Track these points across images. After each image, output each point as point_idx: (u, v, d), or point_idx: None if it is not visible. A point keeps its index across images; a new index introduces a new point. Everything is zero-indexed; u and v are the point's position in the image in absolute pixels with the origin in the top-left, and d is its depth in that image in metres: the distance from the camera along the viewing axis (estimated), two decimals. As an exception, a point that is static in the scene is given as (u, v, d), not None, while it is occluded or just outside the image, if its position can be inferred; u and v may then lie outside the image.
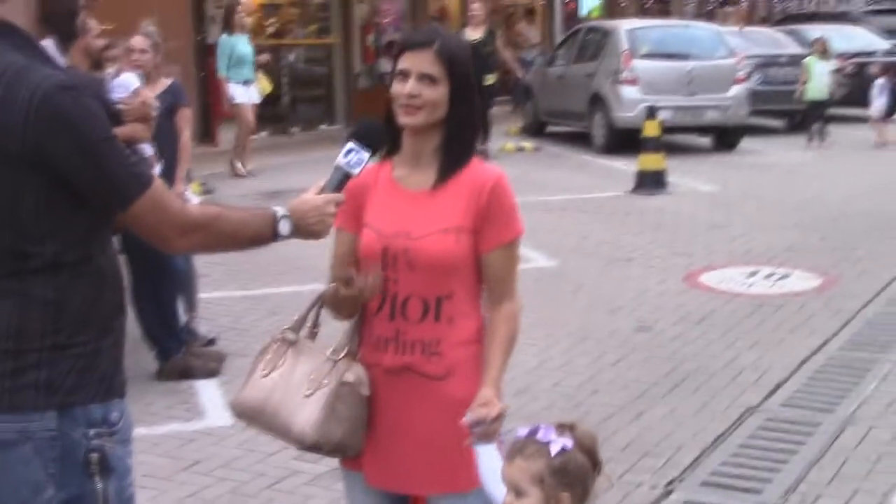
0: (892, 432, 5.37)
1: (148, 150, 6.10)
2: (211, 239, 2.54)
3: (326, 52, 20.42)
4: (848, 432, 5.40)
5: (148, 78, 6.79)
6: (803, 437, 5.33)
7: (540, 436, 2.48)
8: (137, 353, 6.18)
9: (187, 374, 6.32)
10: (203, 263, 7.22)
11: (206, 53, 16.62)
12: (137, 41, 6.87)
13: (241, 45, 14.10)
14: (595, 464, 2.50)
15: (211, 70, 16.39)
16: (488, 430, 2.68)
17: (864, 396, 5.88)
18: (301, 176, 13.85)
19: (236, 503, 4.74)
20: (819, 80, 16.66)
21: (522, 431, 2.51)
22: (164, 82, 6.94)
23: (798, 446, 5.23)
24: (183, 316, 6.68)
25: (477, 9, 15.33)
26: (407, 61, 2.78)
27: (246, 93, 14.10)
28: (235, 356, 6.55)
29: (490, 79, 14.74)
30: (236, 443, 5.31)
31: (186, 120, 7.00)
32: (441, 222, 2.78)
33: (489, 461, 2.68)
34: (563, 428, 2.50)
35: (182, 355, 6.36)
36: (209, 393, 6.10)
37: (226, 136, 16.66)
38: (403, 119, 2.79)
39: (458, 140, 2.82)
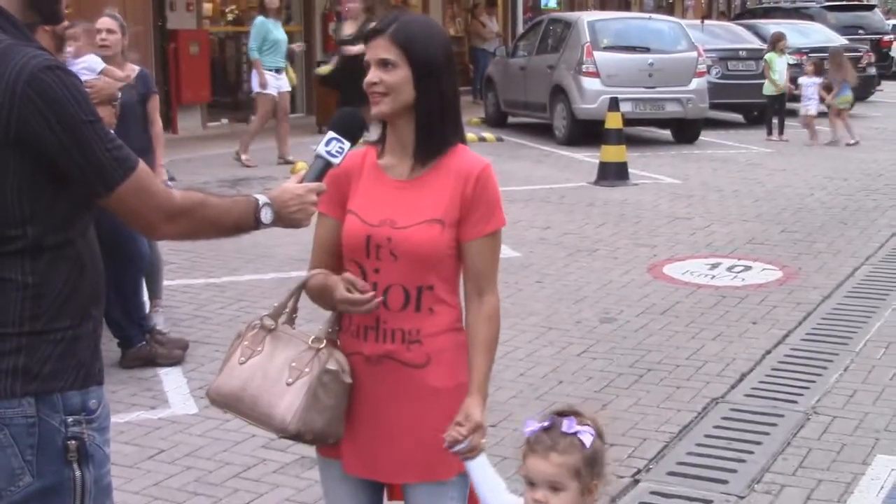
0: (854, 423, 5.42)
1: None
2: (195, 225, 2.51)
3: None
4: (811, 423, 5.45)
5: (113, 61, 6.69)
6: (768, 428, 5.37)
7: (566, 428, 2.49)
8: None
9: (151, 361, 6.26)
10: (167, 251, 7.17)
11: (166, 39, 16.47)
12: (105, 21, 6.77)
13: (277, 30, 13.78)
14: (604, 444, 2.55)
15: (169, 56, 16.29)
16: (471, 446, 2.69)
17: (827, 387, 5.94)
18: (262, 164, 13.79)
19: (201, 492, 4.70)
20: (779, 75, 16.72)
21: (537, 425, 2.51)
22: (132, 68, 6.84)
23: (762, 437, 5.27)
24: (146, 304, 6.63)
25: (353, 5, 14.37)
26: (368, 51, 2.78)
27: (276, 81, 13.80)
28: (200, 344, 6.51)
29: (325, 69, 14.41)
30: (201, 431, 5.28)
31: (157, 107, 6.94)
32: (426, 212, 2.76)
33: (481, 473, 2.69)
34: (576, 416, 2.52)
35: (146, 343, 6.30)
36: (174, 381, 6.05)
37: (183, 123, 16.58)
38: (373, 109, 2.78)
39: (429, 126, 2.78)
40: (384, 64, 2.74)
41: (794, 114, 17.15)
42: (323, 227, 2.89)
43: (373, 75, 2.75)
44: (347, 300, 2.71)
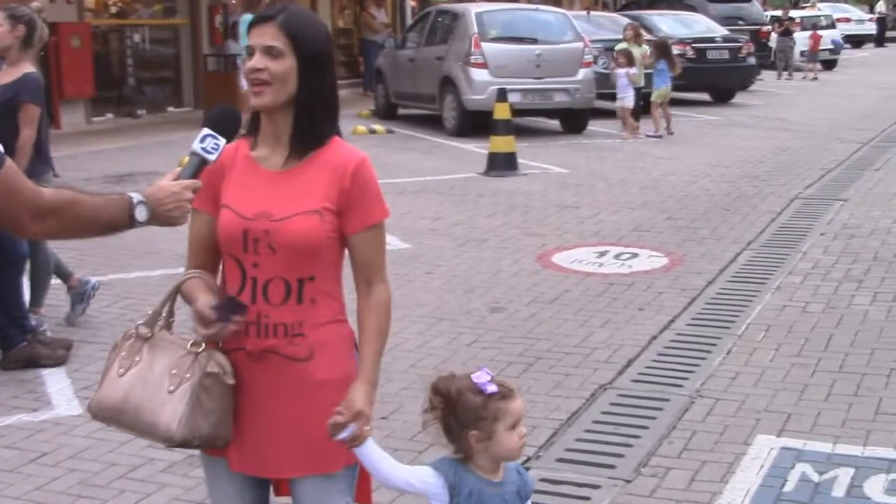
0: (736, 405, 5.56)
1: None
2: (65, 224, 2.46)
3: (174, 33, 19.99)
4: (696, 406, 5.57)
5: (8, 57, 6.37)
6: (654, 413, 5.48)
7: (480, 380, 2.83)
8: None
9: (33, 362, 6.11)
10: (52, 249, 7.00)
11: (49, 33, 16.05)
12: None
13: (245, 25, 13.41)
14: None
15: (50, 49, 15.89)
16: (353, 435, 2.70)
17: (710, 371, 6.08)
18: (149, 159, 13.58)
19: (86, 494, 4.61)
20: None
21: (487, 381, 2.81)
22: (22, 70, 6.41)
23: (649, 421, 5.37)
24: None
25: None
26: (252, 37, 2.75)
27: None
28: (84, 343, 6.38)
29: None
30: (86, 432, 5.18)
31: (28, 118, 6.30)
32: (303, 204, 2.74)
33: (372, 456, 2.74)
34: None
35: (27, 343, 6.15)
36: (57, 382, 5.92)
37: (67, 118, 16.20)
38: (253, 101, 2.75)
39: (310, 118, 2.77)
40: (270, 51, 2.71)
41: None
42: (197, 223, 2.84)
43: (258, 61, 2.71)
44: (207, 336, 2.70)
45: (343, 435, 2.69)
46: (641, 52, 16.46)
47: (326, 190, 2.76)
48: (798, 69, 28.40)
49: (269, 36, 2.71)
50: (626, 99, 16.04)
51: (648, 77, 16.47)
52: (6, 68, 6.45)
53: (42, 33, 6.65)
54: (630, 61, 16.02)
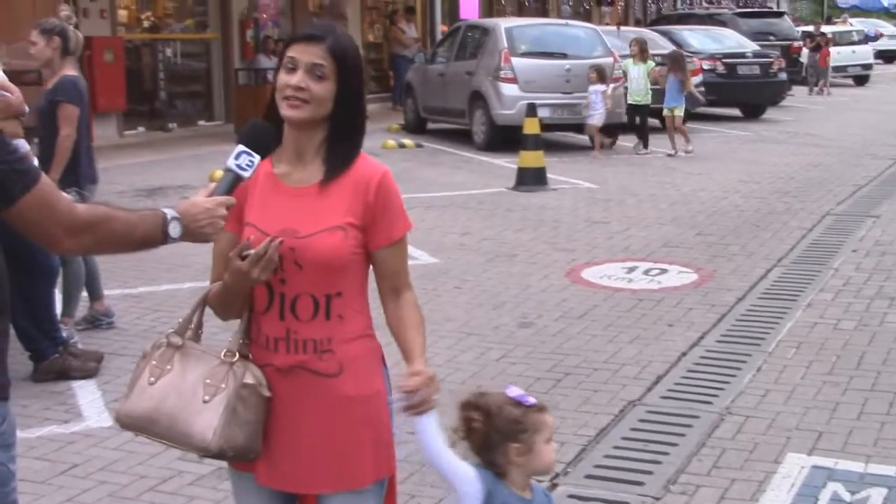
0: (767, 423, 5.52)
1: (23, 146, 5.93)
2: (99, 240, 2.47)
3: (205, 47, 20.14)
4: (725, 423, 5.53)
5: (48, 70, 6.73)
6: (683, 429, 5.45)
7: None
8: (10, 354, 5.99)
9: (65, 374, 6.16)
10: (97, 266, 7.10)
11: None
12: (31, 34, 6.77)
13: None
14: None
15: (83, 63, 16.01)
16: (423, 398, 2.70)
17: (740, 388, 6.04)
18: (180, 172, 13.67)
19: (117, 506, 4.64)
20: (636, 83, 16.05)
21: (523, 394, 2.84)
22: (61, 76, 6.76)
23: (678, 438, 5.34)
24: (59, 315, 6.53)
25: None
26: (297, 51, 2.73)
27: None
28: (115, 356, 6.41)
29: None
30: (116, 444, 5.20)
31: (66, 116, 6.68)
32: (328, 220, 2.74)
33: (432, 430, 2.74)
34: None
35: (59, 355, 6.19)
36: (88, 394, 5.95)
37: (99, 132, 16.30)
38: (287, 112, 2.73)
39: (344, 137, 2.78)
40: (315, 70, 2.70)
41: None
42: (221, 241, 2.82)
43: (301, 79, 2.70)
44: (252, 262, 2.66)
45: (413, 399, 2.69)
46: (648, 68, 16.08)
47: (350, 205, 2.76)
48: (830, 84, 28.24)
49: (317, 55, 2.71)
50: (596, 116, 15.57)
51: (657, 94, 16.20)
52: (50, 77, 6.79)
53: (77, 38, 6.94)
54: (602, 78, 15.56)
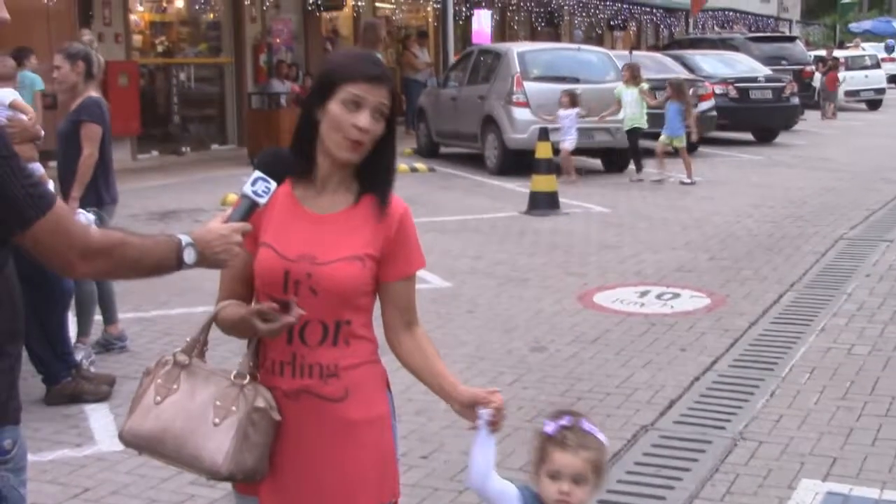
0: (780, 448, 5.49)
1: (38, 168, 5.98)
2: (113, 265, 2.46)
3: (218, 71, 20.24)
4: (739, 449, 5.51)
5: (72, 94, 6.86)
6: (696, 455, 5.42)
7: (588, 428, 2.78)
8: (23, 377, 6.01)
9: (77, 398, 6.16)
10: (114, 289, 7.12)
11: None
12: (55, 58, 6.90)
13: None
14: None
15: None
16: (499, 415, 2.77)
17: (754, 413, 6.01)
18: (193, 196, 13.71)
19: (129, 530, 4.63)
20: (630, 108, 15.77)
21: (558, 423, 2.75)
22: (83, 98, 6.90)
23: (691, 463, 5.31)
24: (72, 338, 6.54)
25: None
26: (363, 90, 2.68)
27: None
28: (127, 379, 6.41)
29: None
30: (128, 468, 5.20)
31: (88, 135, 6.81)
32: (348, 249, 2.74)
33: (489, 446, 2.77)
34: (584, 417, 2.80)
35: (71, 379, 6.20)
36: (100, 417, 5.96)
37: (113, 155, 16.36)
38: (346, 154, 2.71)
39: (379, 170, 2.79)
40: (380, 113, 2.71)
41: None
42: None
43: (369, 123, 2.69)
44: (271, 330, 2.68)
45: (498, 416, 2.76)
46: (639, 90, 15.70)
47: (371, 237, 2.76)
48: (842, 109, 28.23)
49: (384, 96, 2.70)
50: (568, 141, 15.22)
51: (655, 118, 15.90)
52: (73, 100, 6.94)
53: (100, 62, 7.12)
54: (573, 103, 15.16)
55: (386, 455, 2.83)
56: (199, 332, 2.78)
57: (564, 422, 2.78)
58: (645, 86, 15.91)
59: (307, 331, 2.73)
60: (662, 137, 15.67)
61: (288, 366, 2.74)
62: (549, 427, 2.79)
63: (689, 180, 15.41)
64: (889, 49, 33.69)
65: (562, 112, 15.20)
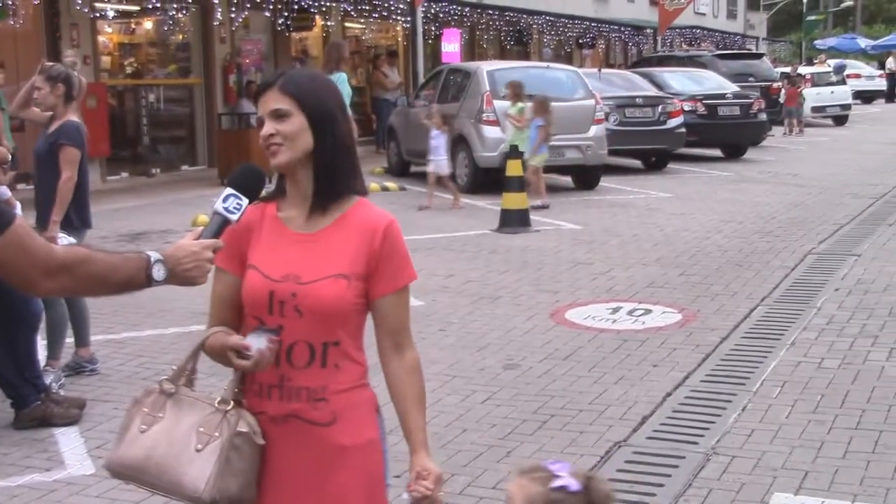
0: (753, 463, 5.51)
1: (5, 192, 5.95)
2: (78, 282, 2.44)
3: (188, 92, 20.19)
4: (711, 464, 5.52)
5: (55, 115, 6.90)
6: (669, 470, 5.43)
7: (553, 467, 2.44)
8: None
9: (46, 421, 6.10)
10: (89, 311, 7.06)
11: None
12: (35, 80, 6.97)
13: (343, 83, 12.55)
14: None
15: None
16: (433, 500, 2.71)
17: (726, 428, 6.03)
18: (163, 217, 13.65)
19: (100, 555, 4.59)
20: (511, 127, 14.82)
21: (574, 485, 2.40)
22: (61, 121, 6.92)
23: (664, 479, 5.32)
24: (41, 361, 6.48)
25: None
26: (259, 106, 2.77)
27: None
28: (98, 402, 6.37)
29: None
30: (98, 492, 5.15)
31: (66, 159, 6.81)
32: (331, 267, 2.72)
33: None
34: (581, 473, 2.43)
35: (41, 402, 6.14)
36: (70, 441, 5.90)
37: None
38: (272, 161, 2.75)
39: (328, 173, 2.75)
40: (278, 115, 2.71)
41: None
42: (221, 282, 2.82)
43: (268, 127, 2.72)
44: (245, 367, 2.67)
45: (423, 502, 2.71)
46: (516, 111, 14.78)
47: (355, 254, 2.74)
48: (809, 124, 28.45)
49: (273, 100, 2.73)
50: (440, 164, 14.78)
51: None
52: (53, 121, 6.97)
53: (80, 85, 7.28)
54: (446, 121, 14.83)
55: (374, 480, 2.80)
56: (186, 360, 2.77)
57: (577, 487, 2.40)
58: (521, 105, 14.82)
59: (294, 352, 2.71)
60: (529, 160, 14.33)
61: (276, 389, 2.72)
62: (572, 488, 2.39)
63: (539, 202, 14.40)
64: (838, 71, 34.10)
65: (433, 131, 14.86)
